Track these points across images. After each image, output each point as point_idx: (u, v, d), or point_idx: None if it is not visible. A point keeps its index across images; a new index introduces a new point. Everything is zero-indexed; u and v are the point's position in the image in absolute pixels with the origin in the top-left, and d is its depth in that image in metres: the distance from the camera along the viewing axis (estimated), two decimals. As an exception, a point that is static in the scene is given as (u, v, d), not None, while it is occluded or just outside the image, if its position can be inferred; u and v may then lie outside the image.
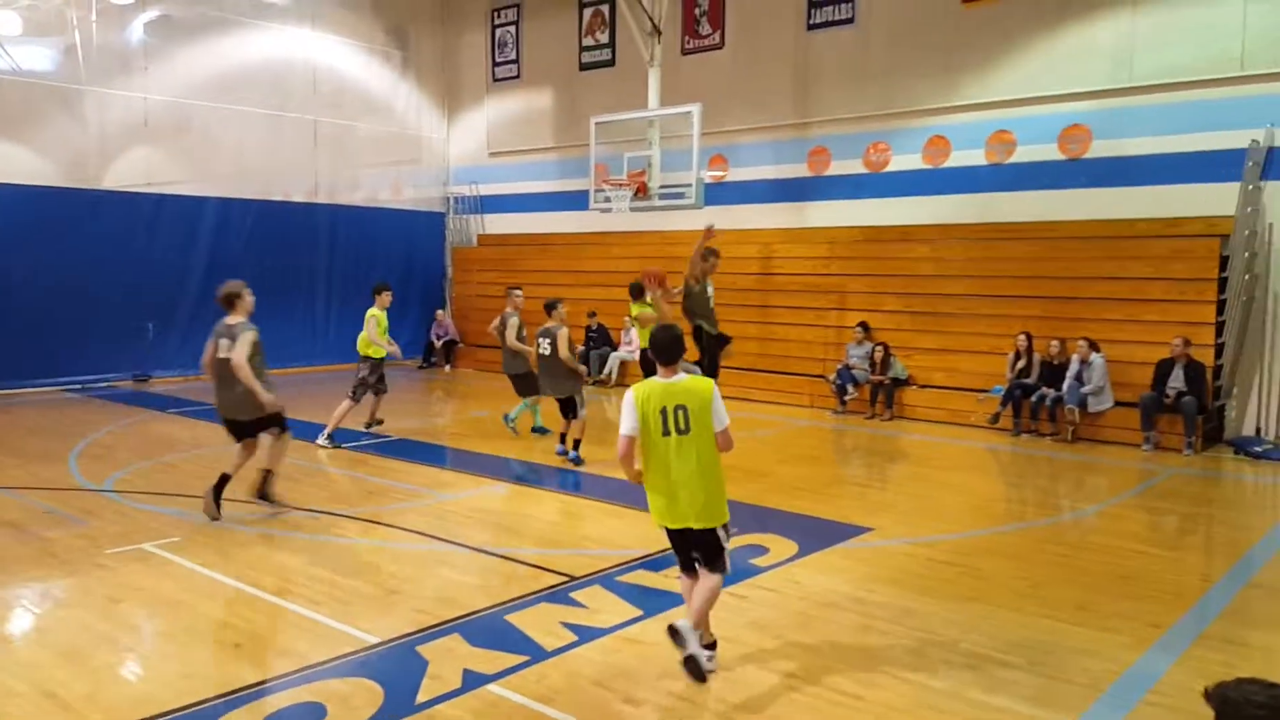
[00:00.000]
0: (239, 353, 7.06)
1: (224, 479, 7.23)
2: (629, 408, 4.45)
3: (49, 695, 4.30)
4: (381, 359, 10.77)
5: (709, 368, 9.63)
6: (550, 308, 9.66)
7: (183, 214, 15.98)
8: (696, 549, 4.55)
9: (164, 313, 15.75)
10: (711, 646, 4.61)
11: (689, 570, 4.66)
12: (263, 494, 7.44)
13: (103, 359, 15.02)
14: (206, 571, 6.01)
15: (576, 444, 9.51)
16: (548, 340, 9.42)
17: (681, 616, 4.55)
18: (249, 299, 7.39)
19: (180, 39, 16.11)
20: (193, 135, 16.32)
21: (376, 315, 10.69)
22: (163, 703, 4.19)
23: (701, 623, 4.50)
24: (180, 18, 16.05)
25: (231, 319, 7.35)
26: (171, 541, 6.63)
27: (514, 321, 10.32)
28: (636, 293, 10.89)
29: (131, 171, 15.68)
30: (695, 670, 4.34)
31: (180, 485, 8.43)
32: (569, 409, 9.53)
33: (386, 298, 10.84)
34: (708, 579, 4.52)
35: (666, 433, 4.39)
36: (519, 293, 10.77)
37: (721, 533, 4.50)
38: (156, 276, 15.63)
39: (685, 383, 4.46)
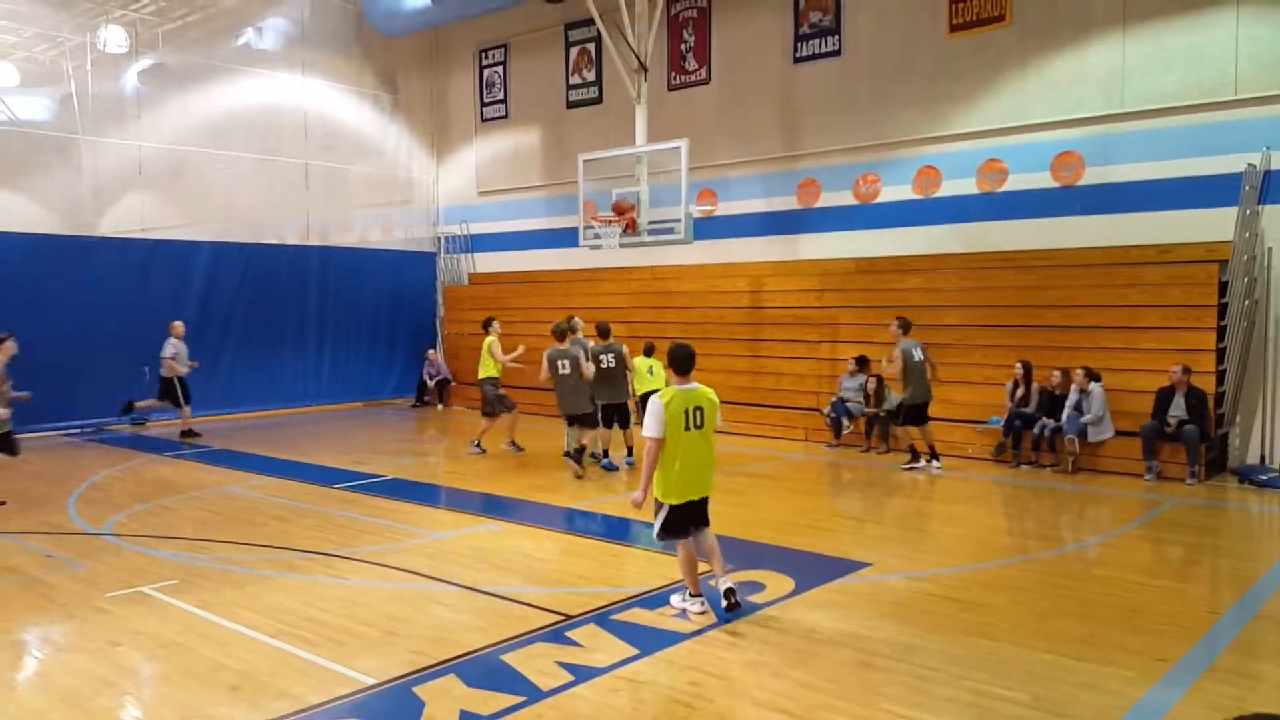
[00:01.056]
0: (588, 369, 10.75)
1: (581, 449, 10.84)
2: (658, 415, 5.71)
3: (46, 743, 4.35)
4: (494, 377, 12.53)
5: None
6: (605, 332, 11.41)
7: (177, 258, 16.17)
8: (700, 511, 6.02)
9: (159, 355, 15.85)
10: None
11: (686, 535, 6.00)
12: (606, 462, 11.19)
13: (100, 403, 15.11)
14: (204, 614, 6.06)
15: (630, 450, 11.51)
16: (612, 355, 11.15)
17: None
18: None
19: (173, 87, 16.44)
20: (186, 181, 16.60)
21: (492, 341, 12.44)
22: (160, 748, 4.24)
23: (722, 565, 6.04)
24: (172, 66, 16.40)
25: (564, 345, 10.78)
26: (169, 584, 6.69)
27: (591, 346, 11.45)
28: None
29: (127, 217, 15.91)
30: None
31: (178, 528, 8.50)
32: (624, 418, 11.35)
33: (498, 326, 12.72)
34: (709, 534, 6.10)
35: (688, 429, 5.79)
36: (579, 320, 12.08)
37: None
38: (152, 320, 15.75)
39: (700, 390, 5.90)
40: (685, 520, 5.94)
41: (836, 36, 14.48)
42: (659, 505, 5.93)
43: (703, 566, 6.15)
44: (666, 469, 5.83)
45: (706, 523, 6.10)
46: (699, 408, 5.81)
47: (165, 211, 16.42)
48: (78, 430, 14.76)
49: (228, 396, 16.55)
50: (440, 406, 18.25)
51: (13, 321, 14.03)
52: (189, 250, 16.34)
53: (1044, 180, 12.73)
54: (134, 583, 6.73)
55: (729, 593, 5.86)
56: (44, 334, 14.34)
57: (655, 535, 6.03)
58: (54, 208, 15.17)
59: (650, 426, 5.74)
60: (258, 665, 5.21)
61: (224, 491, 10.19)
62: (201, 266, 16.47)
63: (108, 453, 13.05)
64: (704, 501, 6.03)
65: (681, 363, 5.91)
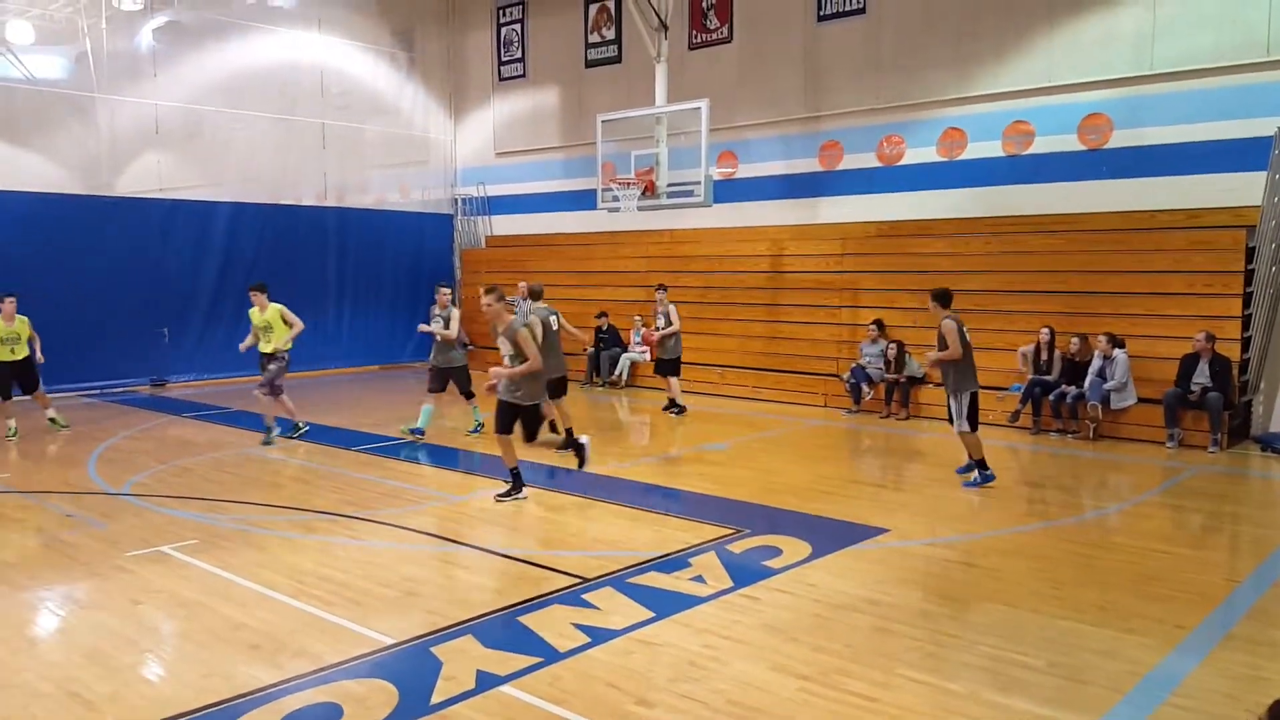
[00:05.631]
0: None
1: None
2: None
3: (73, 695, 4.43)
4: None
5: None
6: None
7: (195, 219, 16.25)
8: None
9: (179, 317, 16.03)
10: None
11: None
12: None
13: (119, 364, 15.27)
14: (224, 574, 6.15)
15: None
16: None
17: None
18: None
19: (188, 44, 16.38)
20: (203, 140, 16.62)
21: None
22: (183, 703, 4.32)
23: None
24: (188, 23, 16.33)
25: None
26: (189, 544, 6.79)
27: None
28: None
29: (144, 177, 15.96)
30: None
31: (197, 488, 8.61)
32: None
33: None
34: None
35: None
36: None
37: None
38: (170, 281, 15.90)
39: None
40: None
41: (861, -6, 14.23)
42: None
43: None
44: None
45: None
46: None
47: (183, 171, 16.46)
48: (97, 390, 14.92)
49: (248, 358, 16.62)
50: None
51: (31, 281, 14.20)
52: (207, 211, 16.40)
53: (1071, 143, 12.55)
54: (154, 542, 6.83)
55: None
56: (62, 294, 14.49)
57: None
58: (71, 167, 15.23)
59: None
60: (277, 624, 5.29)
61: (243, 453, 10.30)
62: (219, 227, 16.55)
63: (126, 413, 13.20)
64: None
65: None
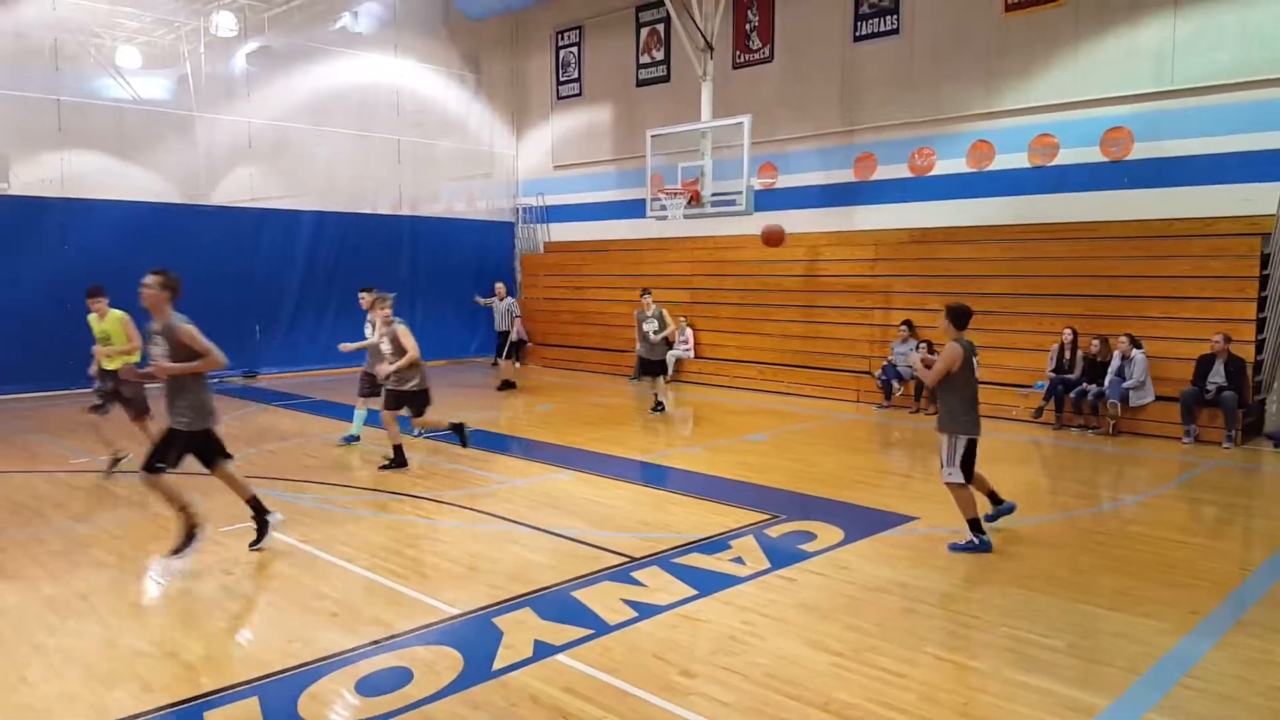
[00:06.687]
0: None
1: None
2: None
3: (171, 655, 4.55)
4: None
5: None
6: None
7: (282, 226, 16.60)
8: None
9: (268, 314, 16.38)
10: None
11: None
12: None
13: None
14: (306, 548, 6.27)
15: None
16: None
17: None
18: None
19: (278, 68, 16.74)
20: (290, 155, 16.97)
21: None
22: (269, 664, 4.41)
23: None
24: (278, 48, 16.68)
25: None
26: (275, 520, 6.88)
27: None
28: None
29: (237, 188, 16.35)
30: None
31: (284, 470, 8.78)
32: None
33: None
34: None
35: None
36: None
37: None
38: (261, 282, 16.26)
39: None
40: None
41: (895, 16, 14.02)
42: None
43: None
44: None
45: None
46: None
47: (272, 183, 16.83)
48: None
49: (329, 353, 16.95)
50: (517, 365, 18.42)
51: (137, 282, 14.63)
52: (293, 219, 16.75)
53: (1093, 155, 12.25)
54: (244, 518, 6.90)
55: None
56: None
57: None
58: (172, 179, 15.67)
59: None
60: (353, 594, 5.37)
61: (325, 438, 10.47)
62: (304, 234, 16.89)
63: (220, 401, 13.34)
64: None
65: None
